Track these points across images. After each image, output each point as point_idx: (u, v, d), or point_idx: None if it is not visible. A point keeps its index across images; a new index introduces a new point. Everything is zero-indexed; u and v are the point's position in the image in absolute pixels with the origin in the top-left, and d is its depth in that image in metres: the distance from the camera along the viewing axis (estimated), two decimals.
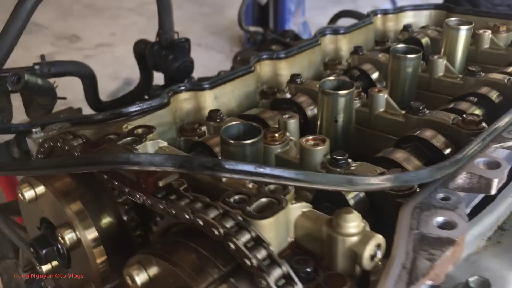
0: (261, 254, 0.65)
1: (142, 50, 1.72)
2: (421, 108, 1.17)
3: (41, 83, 1.30)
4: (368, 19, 1.74)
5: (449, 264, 0.75)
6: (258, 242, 0.66)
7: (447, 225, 0.78)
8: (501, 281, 0.89)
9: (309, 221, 0.75)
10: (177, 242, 0.72)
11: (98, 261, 0.89)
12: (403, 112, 1.20)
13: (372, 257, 0.70)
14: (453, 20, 1.49)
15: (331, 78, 1.18)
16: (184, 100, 1.29)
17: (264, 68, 1.46)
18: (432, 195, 0.85)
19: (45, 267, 0.97)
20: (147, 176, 0.76)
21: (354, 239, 0.70)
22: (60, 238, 0.88)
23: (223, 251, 0.68)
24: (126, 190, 0.79)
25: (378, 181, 0.79)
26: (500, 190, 1.17)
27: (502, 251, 1.00)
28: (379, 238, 0.70)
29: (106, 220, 0.88)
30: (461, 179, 0.91)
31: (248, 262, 0.64)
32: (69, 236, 0.87)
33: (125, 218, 0.87)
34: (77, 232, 0.87)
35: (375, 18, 1.79)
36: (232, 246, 0.66)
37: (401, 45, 1.35)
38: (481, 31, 1.57)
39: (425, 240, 0.75)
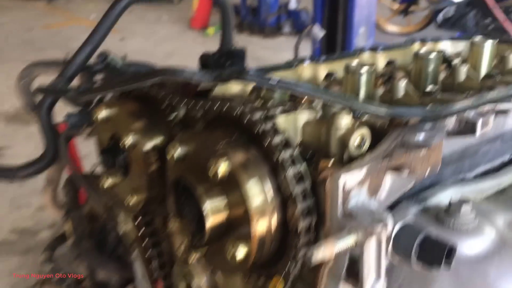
0: (268, 125, 0.87)
1: (205, 60, 2.05)
2: (434, 91, 1.36)
3: (120, 67, 1.63)
4: (406, 42, 1.97)
5: (424, 164, 0.91)
6: (267, 118, 0.89)
7: (427, 138, 0.95)
8: (485, 212, 1.03)
9: (313, 125, 0.96)
10: (208, 127, 0.96)
11: (150, 169, 1.14)
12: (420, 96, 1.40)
13: (359, 146, 0.90)
14: (478, 37, 1.70)
15: (355, 62, 1.41)
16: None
17: (305, 70, 1.72)
18: (420, 126, 1.03)
19: (107, 182, 1.23)
20: (190, 84, 1.02)
21: (344, 130, 0.90)
22: (123, 147, 1.14)
23: (241, 129, 0.91)
24: (175, 97, 1.05)
25: (373, 108, 1.00)
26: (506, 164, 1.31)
27: (497, 201, 1.14)
28: (364, 129, 0.90)
29: (159, 135, 1.14)
30: (450, 124, 1.08)
31: (256, 130, 0.87)
32: (130, 145, 1.13)
33: (172, 132, 1.12)
34: (138, 143, 1.13)
35: (413, 45, 2.02)
36: (246, 120, 0.88)
37: (424, 50, 1.57)
38: (507, 53, 1.75)
39: (405, 144, 0.93)
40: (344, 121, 0.90)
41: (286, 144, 0.86)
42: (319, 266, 0.87)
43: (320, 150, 0.94)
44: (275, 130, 0.87)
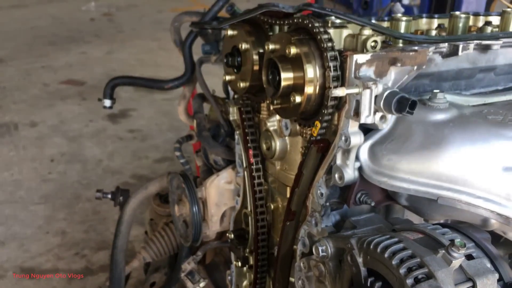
0: (322, 29, 1.63)
1: None
2: None
3: (239, 12, 2.48)
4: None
5: (412, 61, 1.60)
6: (322, 26, 1.64)
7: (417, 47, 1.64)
8: (457, 104, 1.70)
9: (350, 36, 1.70)
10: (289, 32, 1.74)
11: (255, 68, 1.95)
12: None
13: (373, 47, 1.61)
14: None
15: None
16: None
17: None
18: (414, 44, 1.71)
19: (227, 77, 2.07)
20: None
21: (365, 36, 1.62)
22: (239, 50, 1.97)
23: (306, 32, 1.67)
24: (277, 21, 1.84)
25: (389, 30, 1.71)
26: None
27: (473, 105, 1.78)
28: (378, 37, 1.61)
29: (261, 44, 1.95)
30: (445, 48, 1.74)
31: (314, 31, 1.63)
32: (244, 49, 1.96)
33: None
34: (249, 48, 1.95)
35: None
36: (310, 26, 1.65)
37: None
38: None
39: (400, 48, 1.63)
40: (367, 31, 1.63)
41: (330, 39, 1.61)
42: (341, 110, 1.61)
43: (351, 50, 1.68)
44: (326, 32, 1.62)
